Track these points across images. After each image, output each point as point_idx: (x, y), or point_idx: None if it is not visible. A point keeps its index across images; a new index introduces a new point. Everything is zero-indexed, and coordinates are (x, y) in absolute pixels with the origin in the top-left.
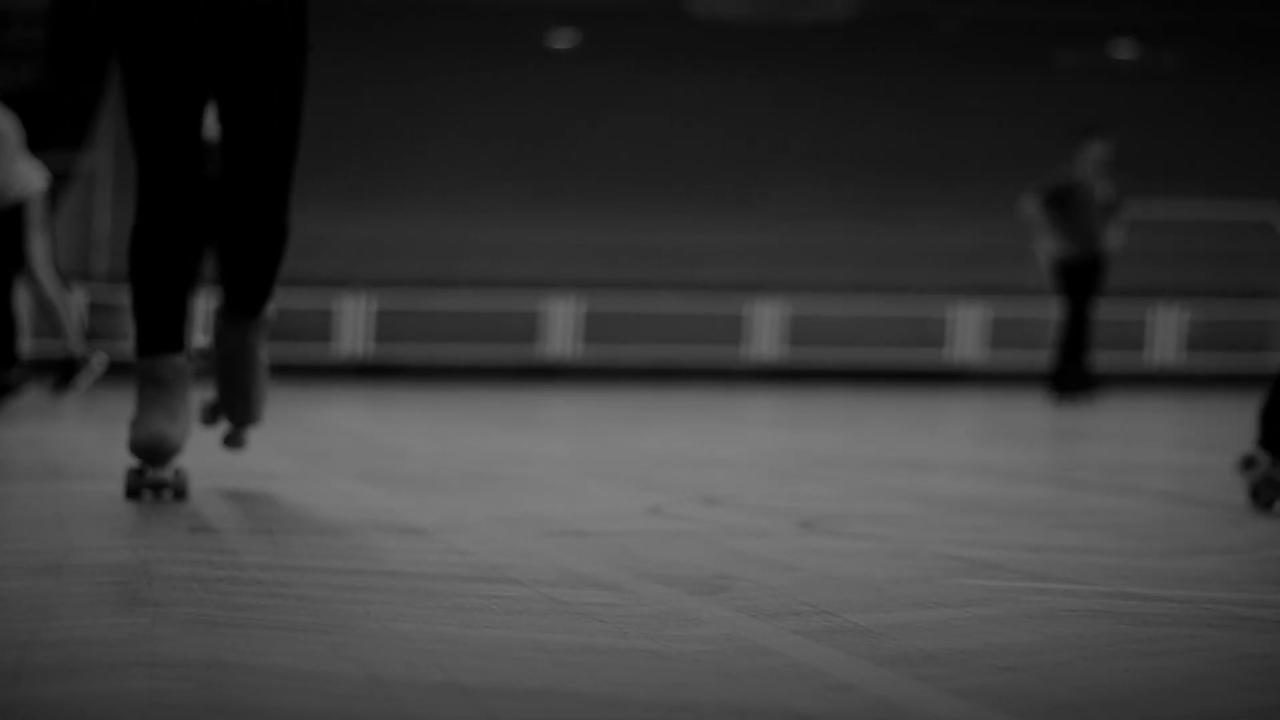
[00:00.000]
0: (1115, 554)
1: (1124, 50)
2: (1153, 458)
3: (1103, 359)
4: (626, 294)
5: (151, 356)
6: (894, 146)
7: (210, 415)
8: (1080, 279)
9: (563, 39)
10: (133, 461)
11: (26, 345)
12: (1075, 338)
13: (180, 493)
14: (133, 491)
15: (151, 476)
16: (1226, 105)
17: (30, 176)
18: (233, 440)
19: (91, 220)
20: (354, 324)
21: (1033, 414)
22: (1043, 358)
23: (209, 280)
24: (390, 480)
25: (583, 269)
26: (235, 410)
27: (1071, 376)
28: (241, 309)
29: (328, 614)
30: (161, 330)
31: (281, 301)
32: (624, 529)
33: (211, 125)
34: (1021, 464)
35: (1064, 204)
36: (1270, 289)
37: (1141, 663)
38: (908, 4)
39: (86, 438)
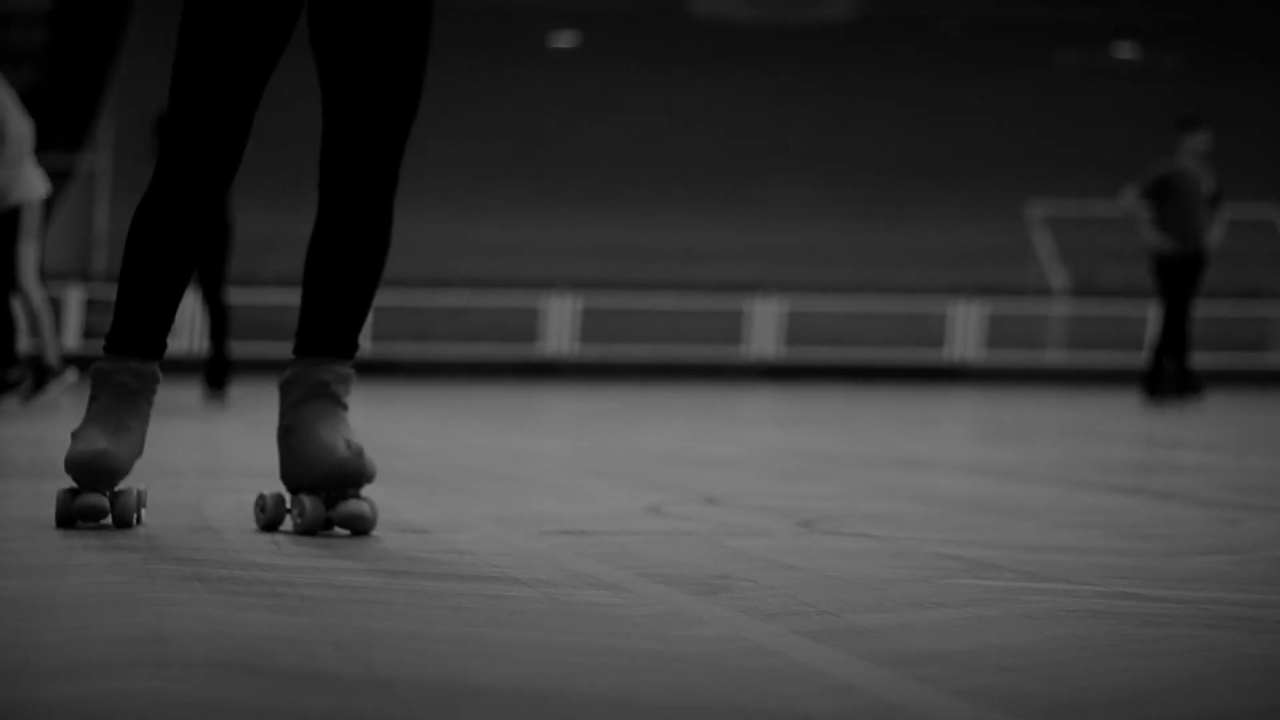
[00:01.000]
0: (1115, 554)
1: (1124, 50)
2: (1152, 457)
3: (1102, 358)
4: (625, 292)
5: (118, 356)
6: (894, 146)
7: (275, 507)
8: (1178, 275)
9: (563, 40)
10: (68, 481)
11: (24, 344)
12: (1172, 337)
13: (124, 522)
14: (61, 519)
15: (82, 502)
16: (1226, 105)
17: (34, 181)
18: (355, 518)
19: (91, 220)
20: None
21: (1032, 413)
22: (1041, 356)
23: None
24: (390, 479)
25: (581, 268)
26: (341, 475)
27: (1167, 377)
28: (333, 341)
29: (330, 614)
30: (141, 327)
31: (281, 300)
32: (624, 529)
33: None
34: (1021, 463)
35: (1163, 196)
36: (1270, 289)
37: (1141, 663)
38: (908, 4)
39: None
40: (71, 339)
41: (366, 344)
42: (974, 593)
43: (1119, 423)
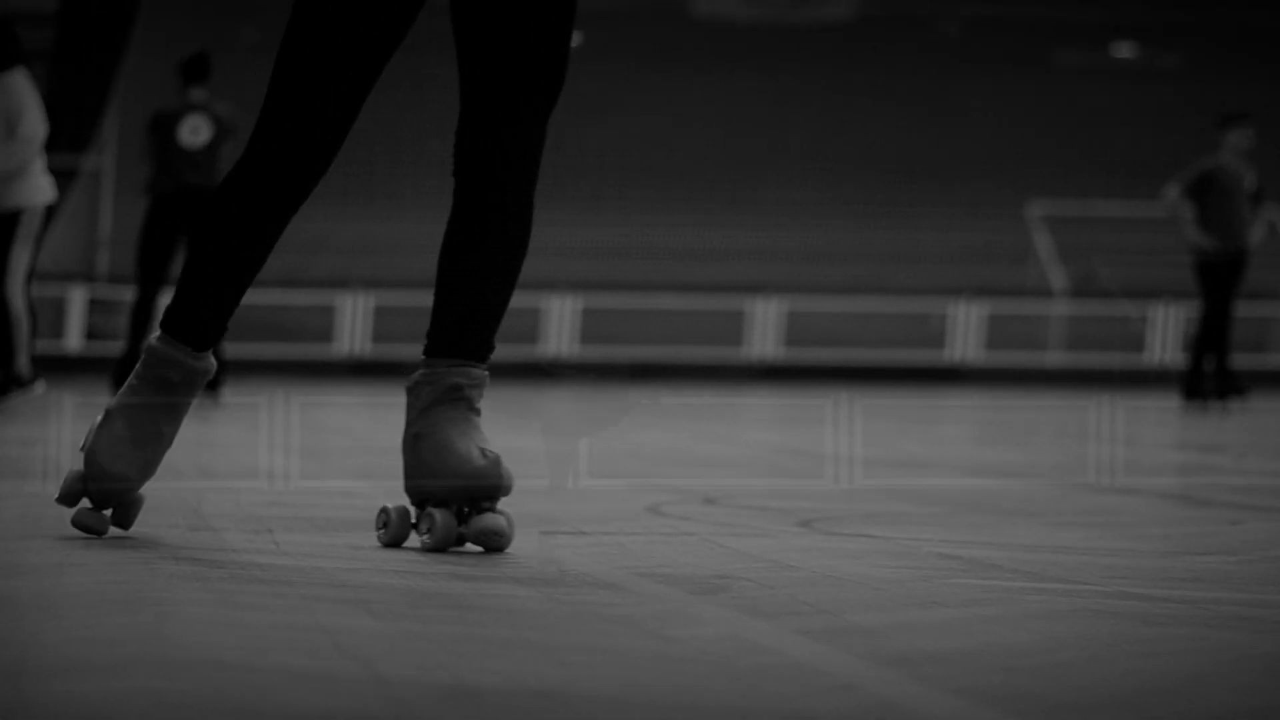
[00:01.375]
0: (1115, 554)
1: (1124, 50)
2: (1152, 457)
3: (1101, 359)
4: (625, 293)
5: (175, 343)
6: (894, 146)
7: (400, 522)
8: (1220, 275)
9: None
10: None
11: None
12: (1211, 338)
13: (122, 525)
14: (63, 500)
15: (80, 520)
16: (1226, 105)
17: (40, 186)
18: (491, 534)
19: (95, 220)
20: (353, 323)
21: (1032, 413)
22: (1041, 357)
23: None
24: (390, 479)
25: (582, 268)
26: (477, 486)
27: (1204, 379)
28: (467, 342)
29: (330, 614)
30: (204, 316)
31: (281, 300)
32: (624, 529)
33: (201, 130)
34: (1021, 463)
35: (1206, 194)
36: (1270, 289)
37: (1141, 663)
38: (908, 4)
39: None
40: (74, 340)
41: (366, 344)
42: (974, 593)
43: (1117, 422)
